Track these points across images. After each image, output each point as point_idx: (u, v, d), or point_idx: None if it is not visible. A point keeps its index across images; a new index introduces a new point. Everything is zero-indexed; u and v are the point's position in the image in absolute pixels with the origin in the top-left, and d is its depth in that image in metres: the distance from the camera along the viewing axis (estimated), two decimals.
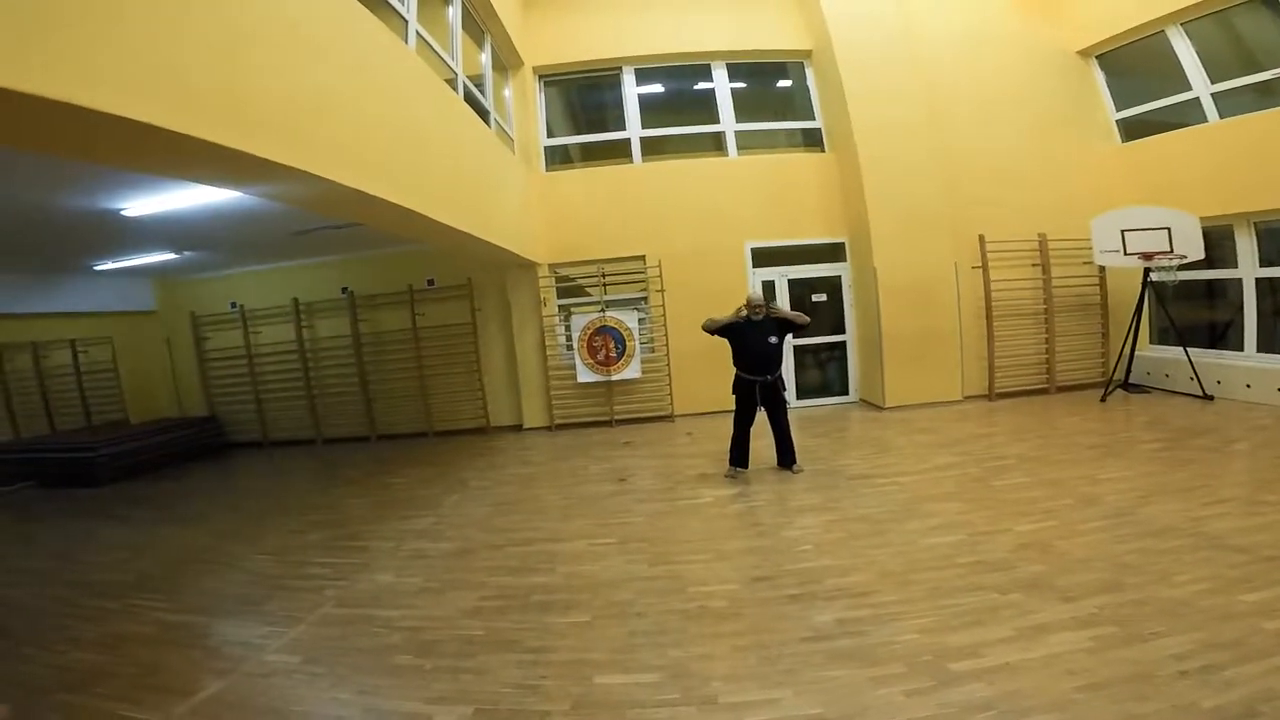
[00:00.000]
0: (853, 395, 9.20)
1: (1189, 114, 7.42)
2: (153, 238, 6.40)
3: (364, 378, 9.42)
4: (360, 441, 9.46)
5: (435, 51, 5.60)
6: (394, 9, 4.83)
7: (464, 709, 2.84)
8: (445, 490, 6.54)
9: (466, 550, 4.83)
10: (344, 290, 9.33)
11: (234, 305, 9.52)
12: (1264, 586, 3.09)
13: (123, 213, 4.97)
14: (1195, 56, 7.20)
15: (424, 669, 3.22)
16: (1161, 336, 8.06)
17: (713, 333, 5.96)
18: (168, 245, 7.05)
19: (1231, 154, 6.74)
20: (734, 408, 6.02)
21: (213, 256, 8.22)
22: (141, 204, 4.86)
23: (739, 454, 6.05)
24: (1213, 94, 7.09)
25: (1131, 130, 8.26)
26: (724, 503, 5.49)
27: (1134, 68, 8.20)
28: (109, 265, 7.99)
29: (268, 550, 5.13)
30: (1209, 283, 7.55)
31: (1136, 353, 7.63)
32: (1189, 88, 7.30)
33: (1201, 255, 6.78)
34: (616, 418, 9.02)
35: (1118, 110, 8.37)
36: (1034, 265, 8.31)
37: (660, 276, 8.84)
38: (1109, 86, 8.45)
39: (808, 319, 5.94)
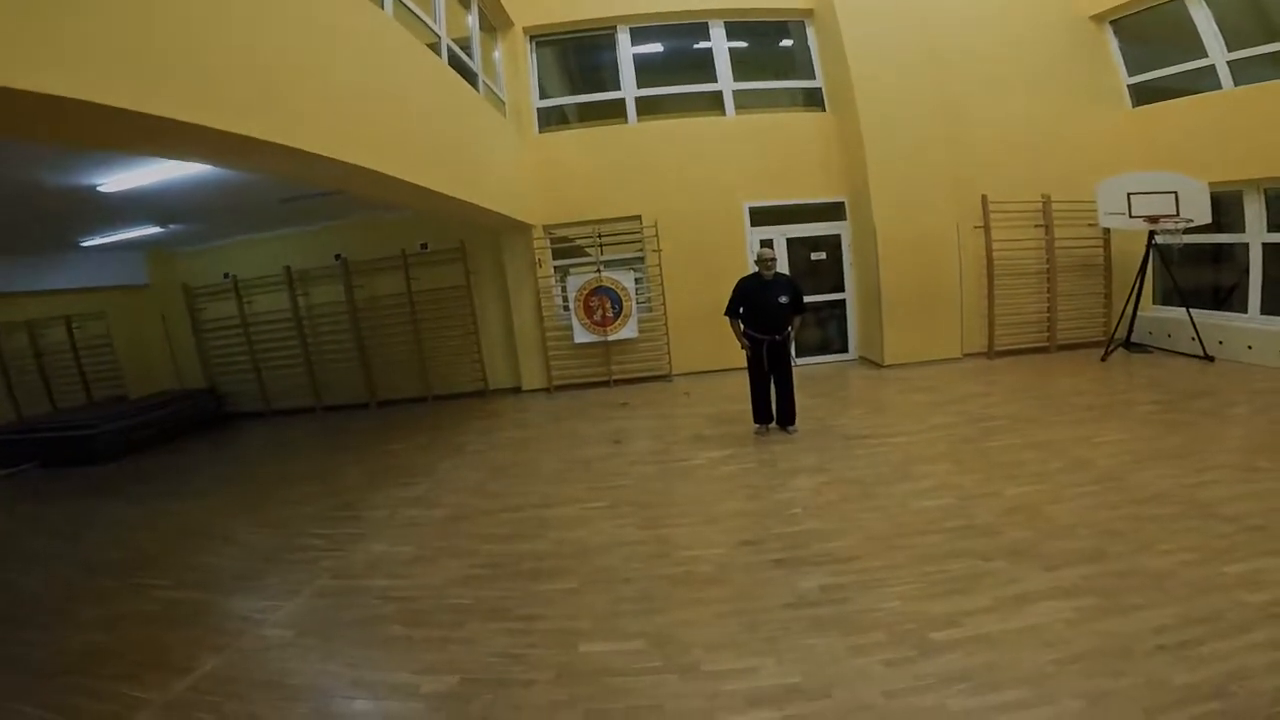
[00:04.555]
0: (852, 353, 9.16)
1: (1203, 80, 7.16)
2: (134, 212, 6.30)
3: (361, 344, 9.38)
4: (360, 408, 9.47)
5: (416, 15, 5.39)
6: None
7: (451, 678, 2.88)
8: (441, 456, 6.57)
9: (459, 517, 4.87)
10: (337, 257, 9.21)
11: (227, 276, 9.42)
12: (1248, 558, 3.06)
13: (99, 189, 4.87)
14: (1213, 23, 6.91)
15: (414, 639, 3.26)
16: (1165, 298, 7.91)
17: (732, 309, 5.91)
18: (151, 219, 6.93)
19: (1246, 121, 6.52)
20: (747, 368, 6.06)
21: (201, 228, 8.10)
22: (117, 180, 4.76)
23: (762, 411, 6.10)
24: (1229, 61, 6.82)
25: (1143, 95, 7.97)
26: (717, 464, 5.50)
27: (1148, 33, 7.87)
28: (96, 241, 7.88)
29: (266, 523, 5.17)
30: (1215, 246, 7.39)
31: (1139, 313, 7.50)
32: (1204, 54, 7.02)
33: (1208, 219, 6.63)
34: (614, 378, 9.02)
35: (1130, 75, 8.07)
36: (1037, 226, 8.13)
37: (657, 236, 8.71)
38: (1122, 52, 8.13)
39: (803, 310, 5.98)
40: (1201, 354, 6.73)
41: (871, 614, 3.05)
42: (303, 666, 3.14)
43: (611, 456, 5.99)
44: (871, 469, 4.98)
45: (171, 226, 7.43)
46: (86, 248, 8.15)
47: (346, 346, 9.43)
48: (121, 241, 8.06)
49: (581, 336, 8.79)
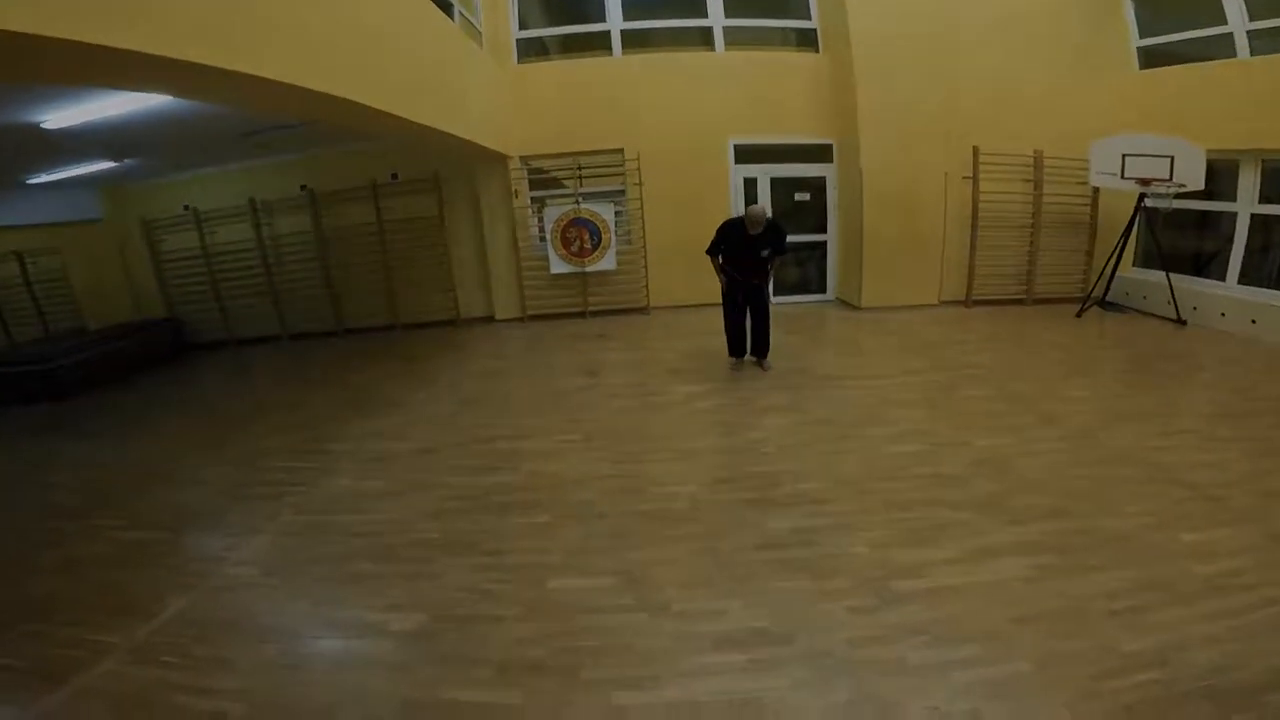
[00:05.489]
0: (830, 294, 9.14)
1: (1216, 48, 6.88)
2: (84, 148, 5.85)
3: (328, 272, 9.05)
4: (327, 337, 9.20)
5: None
6: None
7: (419, 616, 2.87)
8: (410, 387, 6.43)
9: (429, 450, 4.79)
10: (302, 188, 8.76)
11: (186, 208, 8.93)
12: (1202, 527, 3.10)
13: (43, 126, 4.46)
14: None
15: (381, 576, 3.23)
16: (1145, 260, 7.89)
17: (714, 249, 5.81)
18: (103, 155, 6.45)
19: (1256, 91, 6.31)
20: (722, 301, 6.04)
21: (158, 163, 7.60)
22: (62, 116, 4.35)
23: (736, 344, 6.12)
24: (1248, 31, 6.53)
25: (1151, 59, 7.66)
26: (692, 400, 5.49)
27: None
28: (45, 178, 7.35)
29: (228, 458, 4.98)
30: (1201, 213, 7.34)
31: (1118, 273, 7.52)
32: (1224, 22, 6.71)
33: (1201, 186, 6.55)
34: (591, 309, 8.89)
35: (1141, 38, 7.72)
36: (1026, 181, 7.99)
37: (639, 170, 8.41)
38: (1135, 14, 7.75)
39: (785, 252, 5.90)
40: (1175, 317, 6.80)
41: (839, 559, 3.09)
42: (269, 606, 3.09)
43: (587, 389, 5.94)
44: (844, 411, 5.01)
45: (126, 161, 6.94)
46: (34, 185, 7.61)
47: (313, 275, 9.09)
48: (73, 178, 7.55)
49: (558, 267, 8.58)
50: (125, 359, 8.12)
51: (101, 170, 7.34)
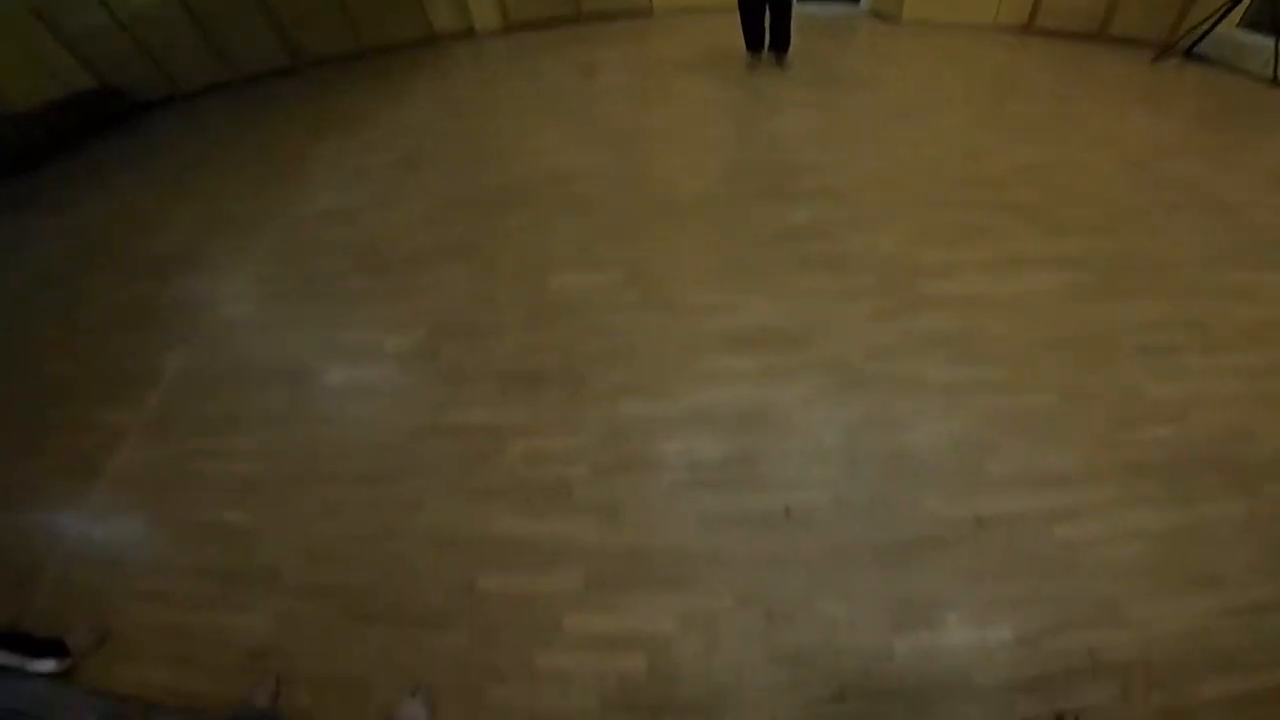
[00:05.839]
0: (863, 3, 7.82)
1: None
2: None
3: (268, 6, 7.33)
4: (285, 74, 7.73)
5: None
6: None
7: (418, 331, 2.71)
8: (387, 101, 5.64)
9: (414, 158, 4.30)
10: None
11: None
12: (1254, 268, 2.73)
13: None
14: None
15: (376, 291, 3.01)
16: (1254, 25, 6.57)
17: None
18: None
19: None
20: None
21: None
22: None
23: (754, 34, 5.44)
24: None
25: None
26: (702, 92, 4.96)
27: None
28: None
29: (198, 195, 4.33)
30: None
31: (1217, 30, 6.29)
32: None
33: None
34: (585, 14, 7.70)
35: None
36: None
37: None
38: None
39: None
40: (1271, 77, 5.83)
41: (863, 256, 2.88)
42: (267, 347, 2.82)
43: (584, 90, 5.28)
44: (874, 110, 4.50)
45: None
46: None
47: (250, 12, 7.33)
48: None
49: None
50: (63, 133, 6.70)
51: None
